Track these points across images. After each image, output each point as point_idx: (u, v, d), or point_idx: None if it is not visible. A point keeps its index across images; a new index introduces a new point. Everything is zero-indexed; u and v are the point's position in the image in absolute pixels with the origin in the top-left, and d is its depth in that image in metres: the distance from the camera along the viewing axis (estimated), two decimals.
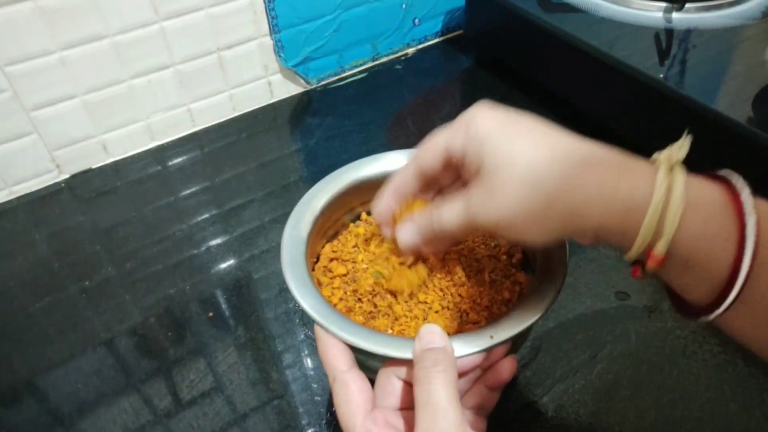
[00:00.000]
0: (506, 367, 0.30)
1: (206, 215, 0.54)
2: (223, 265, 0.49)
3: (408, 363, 0.29)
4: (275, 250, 0.49)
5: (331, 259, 0.39)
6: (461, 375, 0.30)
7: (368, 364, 0.33)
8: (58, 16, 0.50)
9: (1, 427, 0.40)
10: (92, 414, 0.40)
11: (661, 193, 0.25)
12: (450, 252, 0.38)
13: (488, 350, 0.30)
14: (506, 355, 0.31)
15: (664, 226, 0.25)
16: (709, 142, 0.47)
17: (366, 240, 0.39)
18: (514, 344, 0.30)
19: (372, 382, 0.31)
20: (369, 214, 0.42)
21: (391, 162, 0.40)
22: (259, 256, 0.50)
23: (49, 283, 0.49)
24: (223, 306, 0.46)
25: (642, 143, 0.53)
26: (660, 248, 0.25)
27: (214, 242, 0.51)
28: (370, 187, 0.39)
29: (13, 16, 0.48)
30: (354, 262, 0.38)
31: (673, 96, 0.48)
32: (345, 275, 0.38)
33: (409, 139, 0.61)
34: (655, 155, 0.27)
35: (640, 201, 0.25)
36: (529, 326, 0.30)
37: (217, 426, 0.39)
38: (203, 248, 0.51)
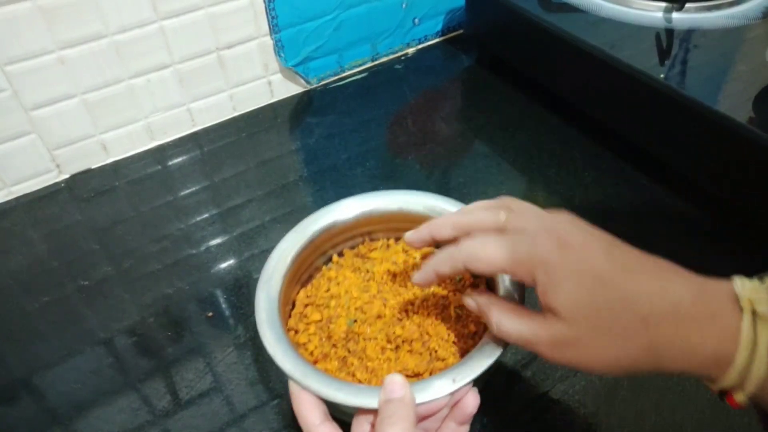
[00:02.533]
0: (470, 402, 0.31)
1: (206, 215, 0.54)
2: (223, 265, 0.49)
3: (376, 411, 0.31)
4: None
5: (306, 305, 0.40)
6: (429, 416, 0.31)
7: (343, 409, 0.35)
8: (58, 15, 0.50)
9: None
10: (90, 413, 0.40)
11: (745, 355, 0.25)
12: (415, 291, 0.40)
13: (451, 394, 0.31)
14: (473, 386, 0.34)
15: (746, 380, 0.25)
16: (710, 143, 0.47)
17: (338, 283, 0.40)
18: (478, 379, 0.32)
19: (349, 426, 0.32)
20: (340, 255, 0.43)
21: (360, 206, 0.42)
22: (258, 255, 0.49)
23: (48, 282, 0.49)
24: (223, 305, 0.46)
25: (642, 143, 0.53)
26: (740, 398, 0.26)
27: (213, 242, 0.51)
28: (341, 231, 0.42)
29: (12, 15, 0.48)
30: (327, 307, 0.39)
31: (674, 96, 0.47)
32: (320, 321, 0.39)
33: (409, 139, 0.61)
34: (738, 286, 0.27)
35: (723, 357, 0.26)
36: (489, 367, 0.32)
37: (215, 426, 0.39)
38: (203, 248, 0.51)
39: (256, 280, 0.48)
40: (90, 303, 0.47)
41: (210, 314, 0.45)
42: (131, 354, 0.43)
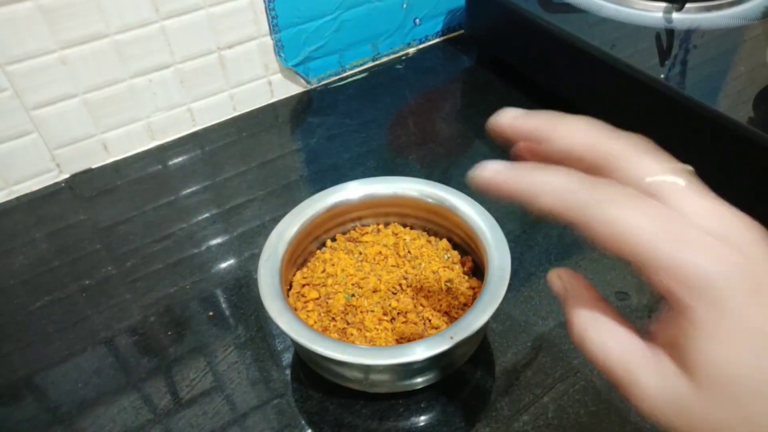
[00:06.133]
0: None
1: (207, 214, 0.54)
2: (224, 265, 0.49)
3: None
4: None
5: (303, 285, 0.43)
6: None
7: (346, 374, 0.37)
8: (59, 14, 0.50)
9: (0, 425, 0.40)
10: (92, 413, 0.40)
11: None
12: (409, 269, 0.43)
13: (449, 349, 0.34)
14: (464, 351, 0.37)
15: None
16: (710, 143, 0.47)
17: (333, 264, 0.43)
18: (472, 341, 0.36)
19: (347, 390, 0.34)
20: (333, 240, 0.46)
21: (349, 192, 0.44)
22: (259, 255, 0.49)
23: (49, 281, 0.49)
24: (224, 305, 0.46)
25: None
26: None
27: (214, 241, 0.51)
28: (333, 215, 0.45)
29: (13, 15, 0.48)
30: (324, 285, 0.42)
31: (674, 96, 0.48)
32: (317, 299, 0.41)
33: (409, 139, 0.61)
34: None
35: None
36: (481, 327, 0.35)
37: (216, 425, 0.39)
38: (204, 247, 0.51)
39: (257, 280, 0.48)
40: (92, 302, 0.47)
41: (211, 314, 0.45)
42: (133, 353, 0.43)
